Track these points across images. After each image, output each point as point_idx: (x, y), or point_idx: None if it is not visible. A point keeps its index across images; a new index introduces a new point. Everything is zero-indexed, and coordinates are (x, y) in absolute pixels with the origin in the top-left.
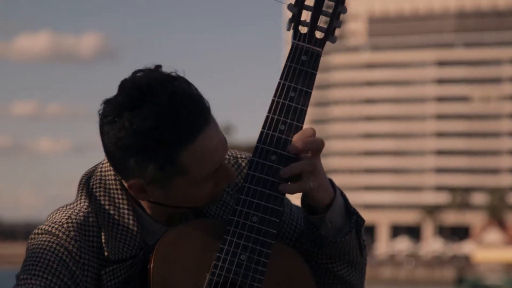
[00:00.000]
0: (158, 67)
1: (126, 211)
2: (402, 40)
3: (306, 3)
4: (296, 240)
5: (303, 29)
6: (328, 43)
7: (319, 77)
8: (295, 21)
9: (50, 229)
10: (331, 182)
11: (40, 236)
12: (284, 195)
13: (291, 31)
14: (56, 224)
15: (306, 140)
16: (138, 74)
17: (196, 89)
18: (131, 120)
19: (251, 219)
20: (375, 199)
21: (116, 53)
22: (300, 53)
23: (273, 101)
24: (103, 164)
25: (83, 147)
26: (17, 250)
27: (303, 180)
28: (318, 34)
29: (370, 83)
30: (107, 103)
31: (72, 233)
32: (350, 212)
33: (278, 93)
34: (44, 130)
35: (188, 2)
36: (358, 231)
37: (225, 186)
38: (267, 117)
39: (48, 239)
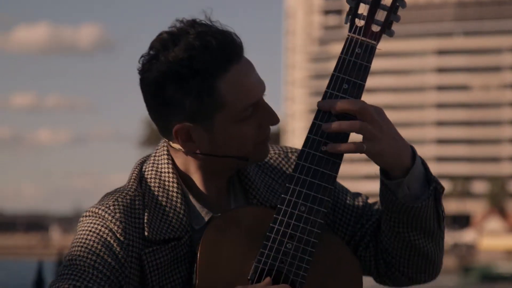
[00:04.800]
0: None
1: (175, 194)
2: (402, 29)
3: None
4: (354, 224)
5: (360, 23)
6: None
7: (318, 66)
8: (352, 14)
9: (97, 211)
10: (413, 151)
11: (88, 218)
12: (334, 186)
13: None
14: (103, 206)
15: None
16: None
17: (227, 27)
18: (166, 55)
19: (299, 208)
20: (375, 188)
21: (115, 45)
22: (354, 46)
23: (326, 92)
24: (157, 149)
25: (82, 138)
26: (19, 242)
27: (360, 142)
28: (374, 28)
29: (370, 73)
30: (142, 56)
31: (118, 214)
32: (430, 180)
33: (332, 85)
34: (43, 121)
35: None
36: (437, 200)
37: (273, 174)
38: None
39: (94, 221)
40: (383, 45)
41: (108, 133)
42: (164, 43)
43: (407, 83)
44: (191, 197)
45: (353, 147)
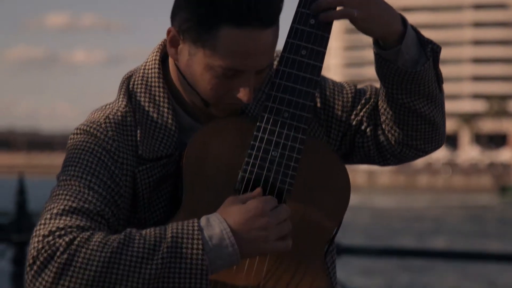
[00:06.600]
0: None
1: (165, 109)
2: None
3: None
4: (347, 117)
5: None
6: None
7: None
8: None
9: (88, 129)
10: (402, 17)
11: (79, 136)
12: (316, 90)
13: None
14: (94, 124)
15: None
16: None
17: None
18: None
19: (282, 115)
20: None
21: None
22: None
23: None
24: (147, 62)
25: (117, 58)
26: (55, 161)
27: (350, 8)
28: None
29: None
30: None
31: (110, 132)
32: (424, 42)
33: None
34: (78, 41)
35: None
36: (435, 61)
37: (263, 87)
38: (297, 12)
39: (86, 139)
40: None
41: (143, 53)
42: None
43: (444, 2)
44: (182, 112)
45: (344, 12)
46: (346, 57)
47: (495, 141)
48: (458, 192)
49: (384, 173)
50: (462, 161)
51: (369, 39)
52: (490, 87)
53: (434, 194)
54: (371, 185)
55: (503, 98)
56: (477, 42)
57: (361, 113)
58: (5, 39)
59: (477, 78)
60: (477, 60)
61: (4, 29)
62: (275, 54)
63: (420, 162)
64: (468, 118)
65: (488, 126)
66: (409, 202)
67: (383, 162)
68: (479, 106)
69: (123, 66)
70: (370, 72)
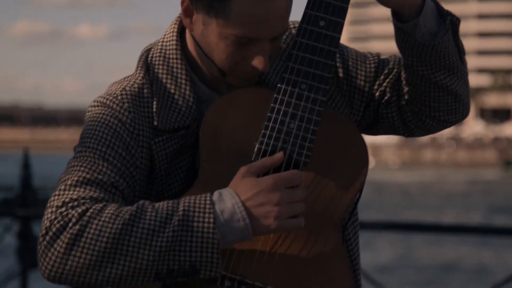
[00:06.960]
0: None
1: (183, 81)
2: None
3: None
4: (370, 88)
5: None
6: None
7: None
8: None
9: (105, 101)
10: None
11: (96, 108)
12: (334, 61)
13: None
14: (111, 96)
15: None
16: None
17: None
18: None
19: (299, 86)
20: None
21: None
22: None
23: None
24: (165, 35)
25: (122, 32)
26: (60, 136)
27: None
28: None
29: None
30: None
31: (126, 104)
32: (444, 14)
33: None
34: (83, 16)
35: None
36: (455, 33)
37: (283, 56)
38: None
39: (103, 111)
40: None
41: (147, 27)
42: None
43: None
44: (200, 83)
45: None
46: (351, 32)
47: (500, 115)
48: (463, 167)
49: (388, 148)
50: (466, 136)
51: (374, 14)
52: (495, 61)
53: (438, 168)
54: (376, 160)
55: (508, 72)
56: (482, 16)
57: (385, 84)
58: (9, 14)
59: (481, 52)
60: (482, 34)
61: (8, 4)
62: (295, 25)
63: (424, 136)
64: (472, 93)
65: (493, 100)
66: (414, 176)
67: (408, 133)
68: (483, 80)
69: (127, 41)
70: (376, 46)
